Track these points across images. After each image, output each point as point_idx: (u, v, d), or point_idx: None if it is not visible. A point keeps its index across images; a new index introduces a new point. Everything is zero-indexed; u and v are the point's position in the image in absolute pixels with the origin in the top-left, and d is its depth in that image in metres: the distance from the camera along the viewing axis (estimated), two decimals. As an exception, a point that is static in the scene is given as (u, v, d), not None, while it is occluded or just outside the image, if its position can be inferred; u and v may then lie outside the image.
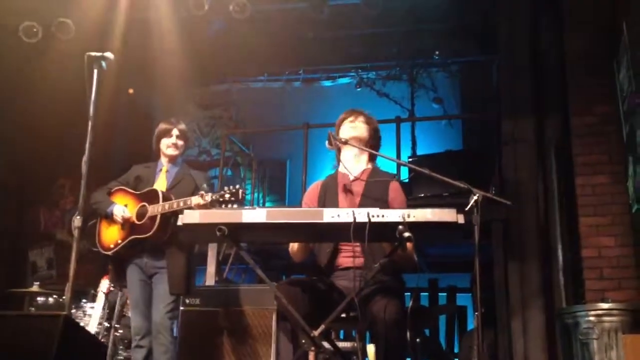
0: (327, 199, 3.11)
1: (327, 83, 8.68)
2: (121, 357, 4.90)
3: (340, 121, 3.28)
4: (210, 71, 7.97)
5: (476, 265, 2.69)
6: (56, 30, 6.31)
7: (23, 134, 7.15)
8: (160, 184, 3.94)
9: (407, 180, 6.25)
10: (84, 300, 5.18)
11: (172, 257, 3.78)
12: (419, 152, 7.89)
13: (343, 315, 2.74)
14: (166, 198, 3.74)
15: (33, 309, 5.25)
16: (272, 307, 4.14)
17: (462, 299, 7.43)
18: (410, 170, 6.28)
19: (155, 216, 3.69)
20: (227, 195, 3.46)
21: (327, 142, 3.20)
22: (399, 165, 6.26)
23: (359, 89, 8.52)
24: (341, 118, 3.29)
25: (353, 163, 3.18)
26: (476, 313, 2.90)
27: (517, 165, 5.88)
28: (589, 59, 5.17)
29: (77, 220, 3.25)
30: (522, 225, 5.67)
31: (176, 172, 4.03)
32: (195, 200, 3.55)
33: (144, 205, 3.79)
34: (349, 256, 2.95)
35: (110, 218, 3.85)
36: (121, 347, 4.95)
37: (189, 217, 2.57)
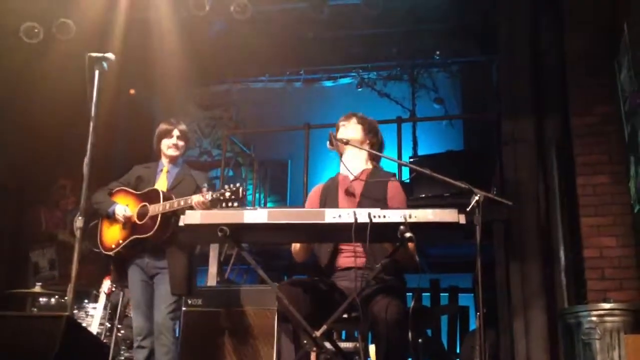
0: (328, 200, 3.12)
1: (328, 83, 8.69)
2: (123, 358, 4.90)
3: (337, 126, 3.29)
4: (211, 72, 7.98)
5: (478, 265, 2.69)
6: (57, 31, 6.32)
7: (23, 135, 7.16)
8: (161, 184, 3.95)
9: (408, 181, 6.25)
10: (86, 301, 5.18)
11: (173, 257, 3.78)
12: (420, 153, 7.90)
13: (345, 315, 2.74)
14: (167, 198, 3.75)
15: (35, 309, 5.25)
16: (274, 307, 4.13)
17: (464, 299, 7.44)
18: (412, 171, 6.28)
19: (156, 216, 3.70)
20: (227, 194, 3.47)
21: (328, 142, 3.20)
22: (400, 166, 6.26)
23: (359, 89, 8.52)
24: (338, 123, 3.30)
25: (353, 163, 3.19)
26: (478, 313, 2.90)
27: (517, 165, 5.87)
28: (589, 59, 5.17)
29: (78, 221, 3.25)
30: (523, 225, 5.67)
31: (177, 172, 4.03)
32: (196, 198, 3.55)
33: (145, 205, 3.79)
34: (350, 256, 2.95)
35: (111, 218, 3.85)
36: (123, 347, 4.95)
37: (190, 218, 2.57)
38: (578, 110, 5.18)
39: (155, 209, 3.72)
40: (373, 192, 3.06)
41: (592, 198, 4.94)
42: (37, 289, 5.27)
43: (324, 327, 2.57)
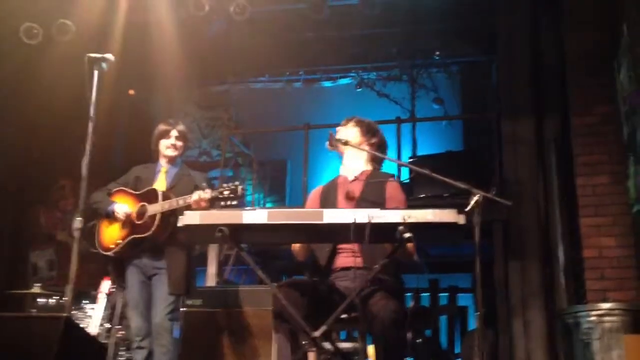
0: (327, 201, 3.12)
1: (328, 84, 8.68)
2: (122, 359, 4.90)
3: (336, 130, 3.30)
4: (210, 72, 7.97)
5: (477, 265, 2.69)
6: (56, 32, 6.32)
7: (23, 135, 7.15)
8: (160, 185, 3.95)
9: (407, 181, 6.26)
10: (84, 302, 5.17)
11: (172, 257, 3.78)
12: (420, 153, 7.89)
13: (344, 315, 2.74)
14: (166, 197, 3.75)
15: (34, 310, 5.25)
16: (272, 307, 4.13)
17: (463, 299, 7.44)
18: (411, 171, 6.28)
19: (155, 215, 3.70)
20: (226, 192, 3.47)
21: (327, 142, 3.21)
22: (399, 166, 6.27)
23: (359, 90, 8.52)
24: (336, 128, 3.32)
25: (352, 164, 3.20)
26: (477, 313, 2.90)
27: (517, 165, 5.87)
28: (589, 59, 5.17)
29: (77, 222, 3.25)
30: (522, 225, 5.67)
31: (175, 172, 4.03)
32: (195, 196, 3.55)
33: (143, 205, 3.79)
34: (349, 256, 2.95)
35: (111, 217, 3.85)
36: (122, 348, 4.95)
37: (189, 218, 2.57)
38: (578, 110, 5.18)
39: (153, 208, 3.72)
40: (372, 193, 3.06)
41: (591, 198, 4.95)
42: (36, 289, 5.27)
43: (324, 327, 2.57)
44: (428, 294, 7.32)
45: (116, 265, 3.93)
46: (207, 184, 3.86)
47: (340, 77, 8.60)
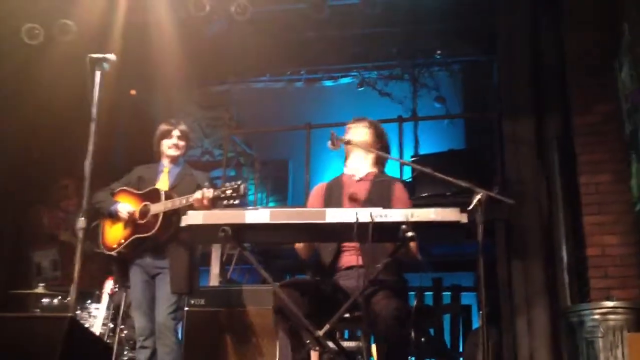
0: (332, 200, 3.12)
1: (329, 83, 8.68)
2: (126, 358, 4.91)
3: (346, 128, 3.31)
4: (211, 72, 7.98)
5: (480, 264, 2.69)
6: (58, 32, 6.33)
7: (24, 135, 7.16)
8: (162, 184, 3.95)
9: (410, 180, 6.25)
10: (88, 301, 5.18)
11: (174, 256, 3.77)
12: (422, 152, 7.89)
13: (347, 315, 2.74)
14: (168, 197, 3.75)
15: (38, 310, 5.26)
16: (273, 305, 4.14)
17: (466, 298, 7.44)
18: (413, 170, 6.28)
19: (158, 214, 3.70)
20: (228, 191, 3.47)
21: (329, 142, 3.20)
22: (402, 165, 6.26)
23: (360, 89, 8.52)
24: (347, 126, 3.32)
25: (359, 165, 3.21)
26: (480, 312, 2.90)
27: (519, 164, 5.88)
28: (589, 58, 5.17)
29: (81, 222, 3.25)
30: (525, 224, 5.67)
31: (178, 172, 4.04)
32: (197, 195, 3.55)
33: (146, 205, 3.80)
34: (352, 255, 2.95)
35: (114, 217, 3.86)
36: (126, 347, 4.96)
37: (192, 218, 2.57)
38: (579, 109, 5.18)
39: (156, 208, 3.72)
40: (379, 193, 3.08)
41: (594, 196, 4.94)
42: (40, 289, 5.28)
43: (327, 326, 2.57)
44: (431, 292, 7.32)
45: (119, 265, 3.93)
46: (210, 183, 3.85)
47: (342, 77, 8.60)
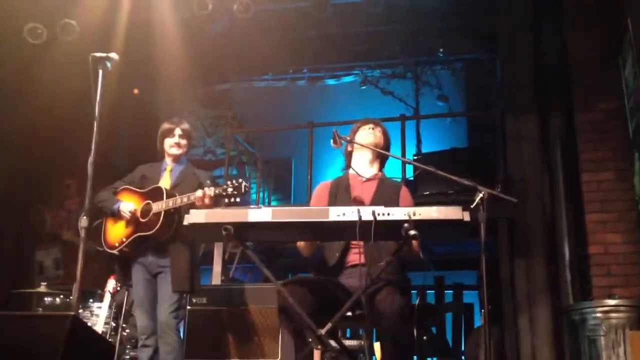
0: (338, 199, 3.12)
1: (331, 81, 8.68)
2: (128, 357, 4.92)
3: (357, 127, 3.30)
4: (214, 71, 7.98)
5: (482, 262, 2.69)
6: (60, 32, 6.33)
7: (27, 134, 7.18)
8: (165, 183, 3.96)
9: (412, 178, 6.25)
10: (91, 300, 5.19)
11: (176, 254, 3.77)
12: (424, 150, 7.89)
13: (349, 313, 2.74)
14: (170, 195, 3.75)
15: (40, 309, 5.27)
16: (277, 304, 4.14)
17: (469, 297, 7.43)
18: (416, 168, 6.28)
19: (160, 213, 3.70)
20: (230, 190, 3.47)
21: (332, 140, 3.20)
22: (404, 163, 6.26)
23: (363, 87, 8.52)
24: (358, 125, 3.31)
25: (366, 167, 3.22)
26: (483, 310, 2.90)
27: (521, 163, 5.87)
28: (590, 57, 5.17)
29: (83, 221, 3.26)
30: (527, 222, 5.67)
31: (180, 170, 4.04)
32: (199, 193, 3.55)
33: (148, 203, 3.80)
34: (357, 253, 2.95)
35: (116, 215, 3.86)
36: (128, 346, 4.96)
37: (195, 217, 2.57)
38: (581, 107, 5.17)
39: (158, 206, 3.73)
40: (386, 194, 3.09)
41: (596, 194, 4.93)
42: (42, 288, 5.29)
43: (329, 324, 2.57)
44: (433, 291, 7.32)
45: (122, 263, 3.94)
46: (212, 182, 3.86)
47: (344, 75, 8.60)
